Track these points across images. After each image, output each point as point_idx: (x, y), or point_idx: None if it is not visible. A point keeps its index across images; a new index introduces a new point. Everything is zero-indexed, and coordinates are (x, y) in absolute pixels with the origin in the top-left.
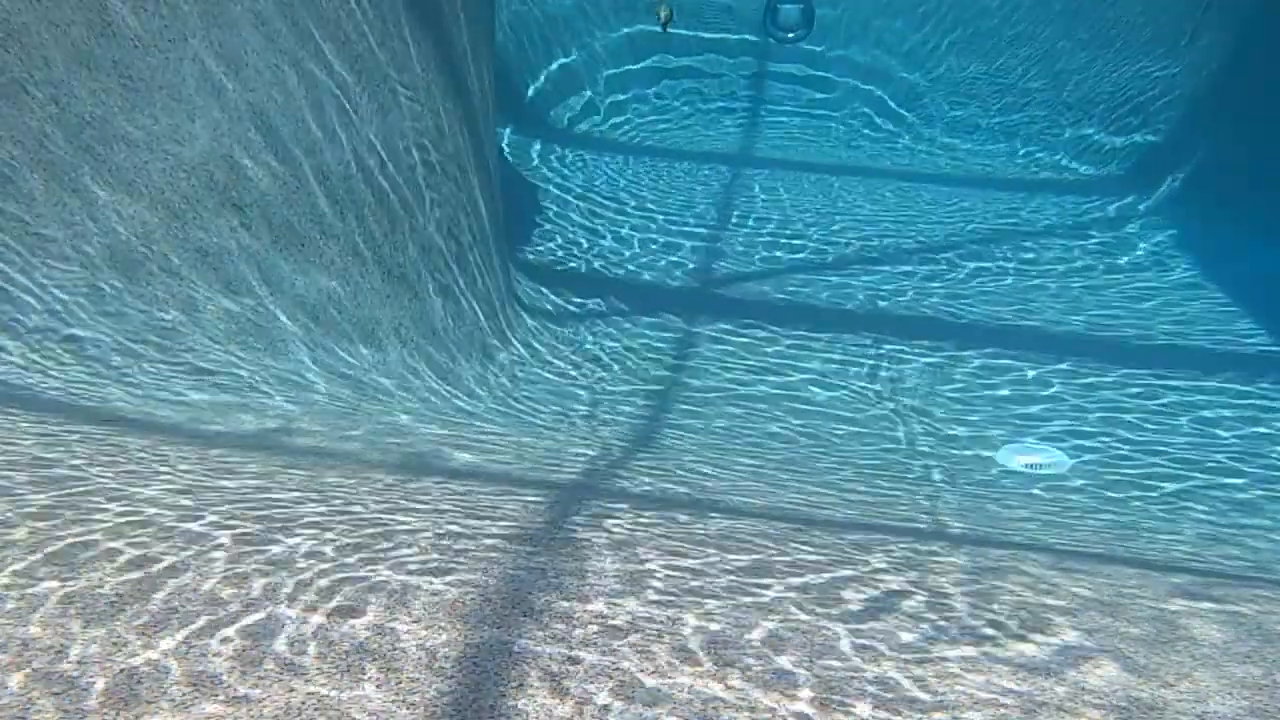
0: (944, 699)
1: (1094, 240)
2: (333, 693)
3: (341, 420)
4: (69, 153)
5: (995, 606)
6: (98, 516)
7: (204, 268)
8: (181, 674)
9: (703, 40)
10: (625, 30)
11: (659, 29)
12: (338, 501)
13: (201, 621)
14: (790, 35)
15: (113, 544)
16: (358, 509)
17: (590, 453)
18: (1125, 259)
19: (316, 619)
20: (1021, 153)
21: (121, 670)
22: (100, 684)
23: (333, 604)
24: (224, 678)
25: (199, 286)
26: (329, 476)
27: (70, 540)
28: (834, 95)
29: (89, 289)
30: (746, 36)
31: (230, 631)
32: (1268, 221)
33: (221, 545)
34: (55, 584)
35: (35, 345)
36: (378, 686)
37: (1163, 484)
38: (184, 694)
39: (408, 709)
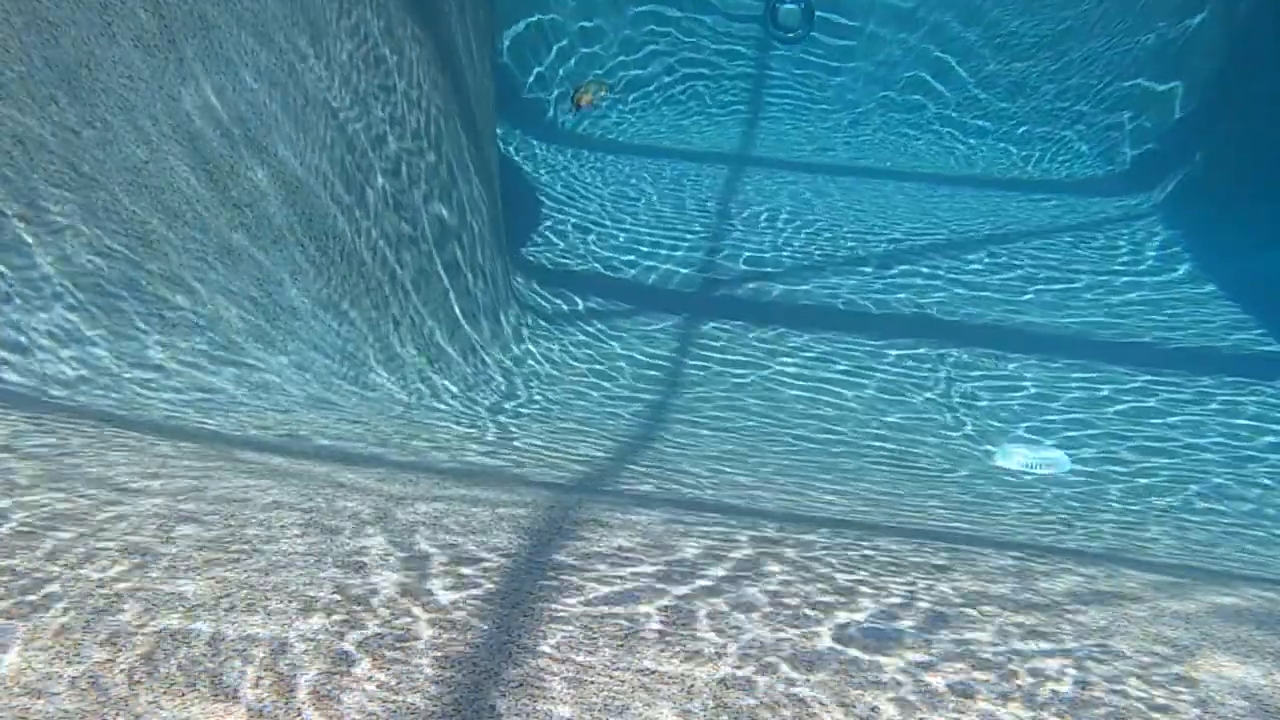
0: None
1: (1097, 240)
2: (330, 691)
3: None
4: (63, 156)
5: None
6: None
7: (202, 268)
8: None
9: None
10: (628, 24)
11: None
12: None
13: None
14: (791, 35)
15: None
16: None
17: (594, 454)
18: (1125, 258)
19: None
20: (1022, 154)
21: None
22: None
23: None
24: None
25: (196, 287)
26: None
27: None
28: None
29: (89, 287)
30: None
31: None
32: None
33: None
34: None
35: (34, 358)
36: (378, 686)
37: None
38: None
39: (407, 710)
